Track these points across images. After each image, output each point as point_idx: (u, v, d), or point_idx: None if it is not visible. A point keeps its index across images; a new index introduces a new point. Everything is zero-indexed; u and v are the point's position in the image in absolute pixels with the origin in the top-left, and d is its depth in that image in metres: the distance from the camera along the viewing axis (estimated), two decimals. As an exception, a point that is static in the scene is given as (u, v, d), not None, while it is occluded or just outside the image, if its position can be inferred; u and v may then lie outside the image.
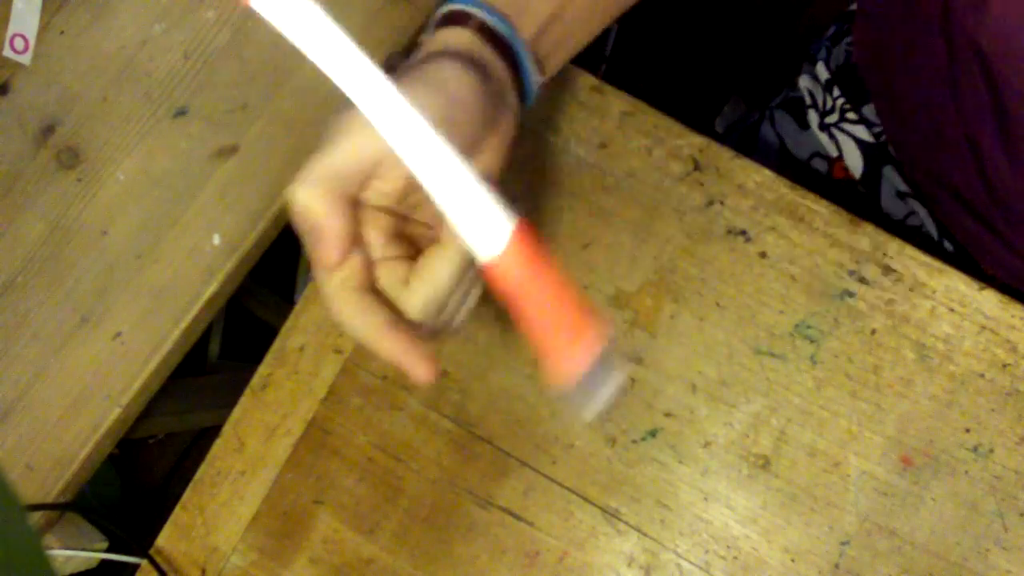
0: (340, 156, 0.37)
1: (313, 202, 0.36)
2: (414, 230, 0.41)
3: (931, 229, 0.62)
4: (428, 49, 0.41)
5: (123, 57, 0.62)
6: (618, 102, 0.56)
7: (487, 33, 0.41)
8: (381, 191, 0.38)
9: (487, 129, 0.40)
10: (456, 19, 0.41)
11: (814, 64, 0.66)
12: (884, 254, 0.54)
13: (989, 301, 0.53)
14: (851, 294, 0.54)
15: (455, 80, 0.38)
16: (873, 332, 0.53)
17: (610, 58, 1.12)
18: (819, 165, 0.66)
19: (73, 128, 0.61)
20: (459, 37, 0.41)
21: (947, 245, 0.63)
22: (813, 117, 0.65)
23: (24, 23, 0.62)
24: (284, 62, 0.61)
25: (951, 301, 0.53)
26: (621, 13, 0.48)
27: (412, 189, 0.38)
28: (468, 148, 0.39)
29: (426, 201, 0.37)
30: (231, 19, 0.61)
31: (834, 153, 0.64)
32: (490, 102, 0.40)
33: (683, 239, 0.55)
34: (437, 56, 0.39)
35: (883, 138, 0.62)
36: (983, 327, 0.53)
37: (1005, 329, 0.52)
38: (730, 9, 1.20)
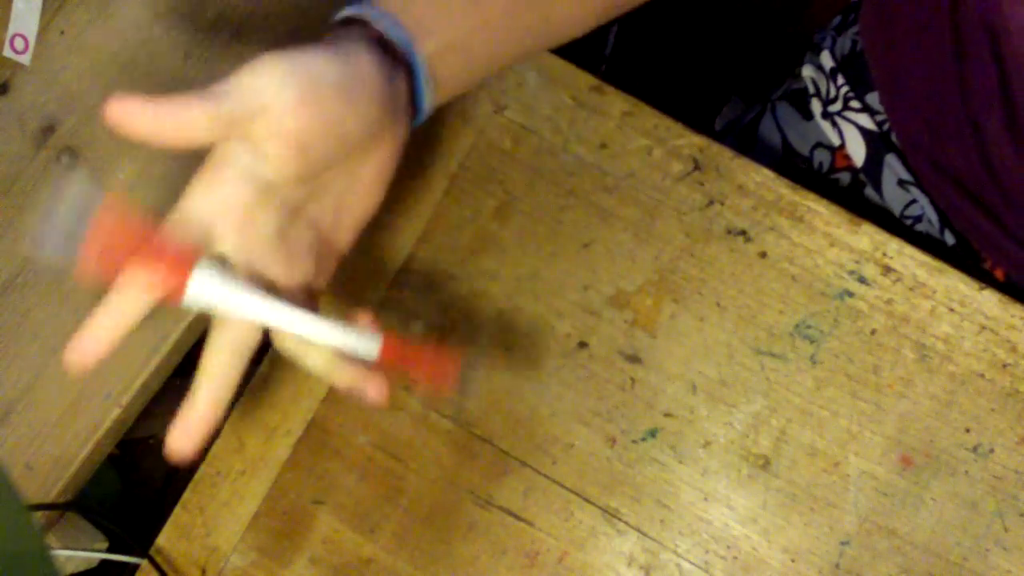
0: None
1: None
2: None
3: (932, 218, 0.62)
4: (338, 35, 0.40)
5: (123, 57, 0.62)
6: (618, 102, 0.56)
7: (388, 45, 0.41)
8: None
9: (380, 130, 0.40)
10: (354, 24, 0.41)
11: (818, 53, 0.66)
12: (884, 254, 0.54)
13: (989, 301, 0.53)
14: (851, 294, 0.54)
15: (366, 58, 0.38)
16: (873, 332, 0.53)
17: (610, 58, 1.12)
18: (821, 156, 0.66)
19: (73, 128, 0.61)
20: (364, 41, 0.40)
21: (948, 235, 0.62)
22: (816, 106, 0.65)
23: (24, 23, 0.62)
24: (284, 62, 0.61)
25: (951, 301, 0.53)
26: (541, 48, 0.47)
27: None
28: (359, 141, 0.39)
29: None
30: (231, 19, 0.61)
31: (836, 142, 0.64)
32: (389, 100, 0.40)
33: (683, 239, 0.55)
34: (351, 37, 0.39)
35: (886, 126, 0.62)
36: (983, 327, 0.53)
37: (1005, 329, 0.52)
38: (730, 9, 1.20)
